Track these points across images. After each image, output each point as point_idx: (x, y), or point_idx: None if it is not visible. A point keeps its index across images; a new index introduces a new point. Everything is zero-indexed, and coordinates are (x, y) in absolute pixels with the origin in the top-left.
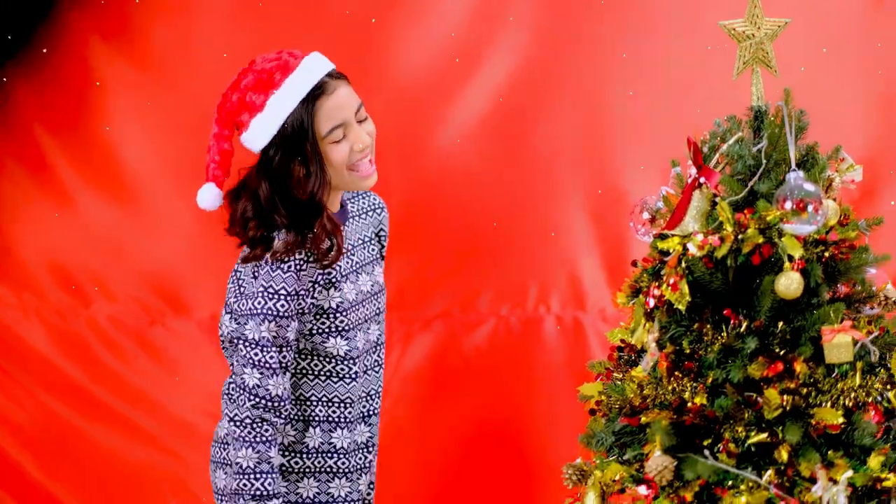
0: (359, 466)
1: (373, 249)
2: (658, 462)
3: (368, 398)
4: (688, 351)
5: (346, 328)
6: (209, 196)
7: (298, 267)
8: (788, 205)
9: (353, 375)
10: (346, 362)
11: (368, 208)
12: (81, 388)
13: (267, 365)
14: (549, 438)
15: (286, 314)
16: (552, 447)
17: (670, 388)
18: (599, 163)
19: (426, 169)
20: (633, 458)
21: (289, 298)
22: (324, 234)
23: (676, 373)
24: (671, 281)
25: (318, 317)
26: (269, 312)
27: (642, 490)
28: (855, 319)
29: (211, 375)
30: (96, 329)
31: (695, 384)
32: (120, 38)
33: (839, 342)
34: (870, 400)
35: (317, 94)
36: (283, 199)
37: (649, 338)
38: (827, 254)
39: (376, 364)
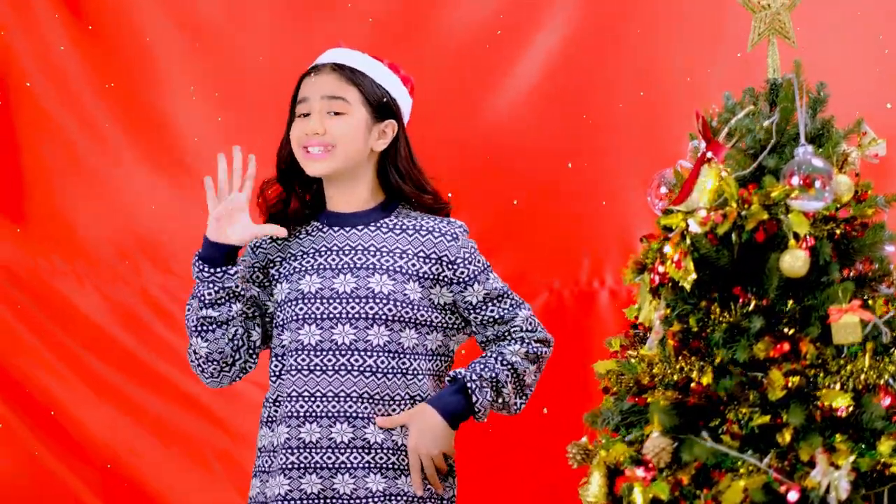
0: (266, 469)
1: (389, 261)
2: (656, 443)
3: (293, 399)
4: (695, 329)
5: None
6: None
7: (248, 257)
8: (795, 180)
9: (278, 372)
10: (277, 359)
11: (426, 229)
12: (134, 357)
13: None
14: None
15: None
16: None
17: (678, 367)
18: (656, 133)
19: (477, 140)
20: (635, 438)
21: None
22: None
23: (685, 351)
24: (675, 258)
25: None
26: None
27: (639, 472)
28: (871, 299)
29: None
30: (149, 299)
31: (702, 363)
32: (171, 5)
33: (846, 322)
34: (881, 382)
35: (308, 73)
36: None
37: (655, 315)
38: (839, 231)
39: (314, 367)
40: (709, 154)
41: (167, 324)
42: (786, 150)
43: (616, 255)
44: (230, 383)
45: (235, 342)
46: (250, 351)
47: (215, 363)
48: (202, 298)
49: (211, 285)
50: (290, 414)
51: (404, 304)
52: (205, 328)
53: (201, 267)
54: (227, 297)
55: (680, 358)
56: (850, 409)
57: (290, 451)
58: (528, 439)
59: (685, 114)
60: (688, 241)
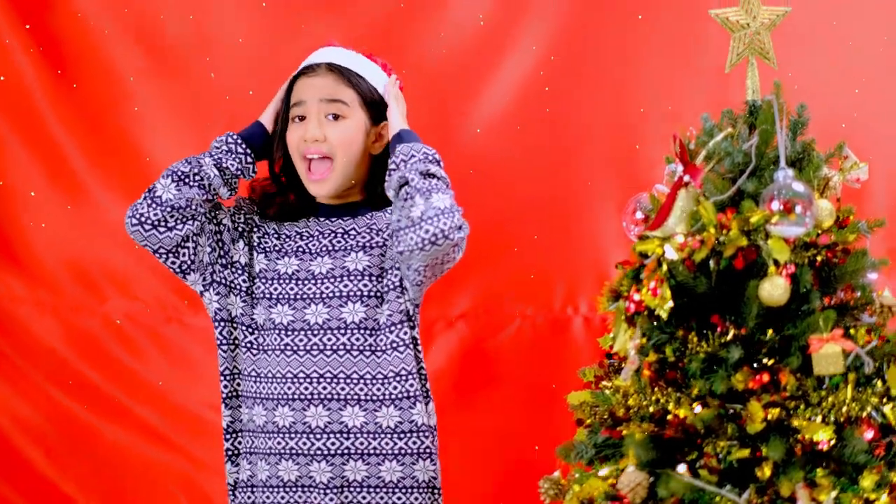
0: (276, 451)
1: (366, 238)
2: (631, 478)
3: (273, 380)
4: (672, 359)
5: (259, 297)
6: None
7: (241, 201)
8: (775, 205)
9: (257, 348)
10: (247, 330)
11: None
12: (94, 386)
13: None
14: None
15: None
16: None
17: (654, 398)
18: (633, 158)
19: (450, 165)
20: (610, 472)
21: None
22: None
23: (661, 382)
24: (651, 285)
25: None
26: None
27: None
28: (853, 328)
29: None
30: (111, 326)
31: (679, 395)
32: (136, 29)
33: (828, 352)
34: (864, 415)
35: (302, 73)
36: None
37: (630, 345)
38: (820, 258)
39: (285, 347)
40: (686, 178)
41: (131, 352)
42: (765, 173)
43: (590, 282)
44: (155, 244)
45: (195, 224)
46: (193, 246)
47: (172, 211)
48: (219, 163)
49: (237, 161)
50: (267, 396)
51: (380, 279)
52: (188, 180)
53: (237, 141)
54: (230, 184)
55: (656, 389)
56: (832, 442)
57: (266, 435)
58: (501, 473)
59: (663, 137)
60: (664, 267)
